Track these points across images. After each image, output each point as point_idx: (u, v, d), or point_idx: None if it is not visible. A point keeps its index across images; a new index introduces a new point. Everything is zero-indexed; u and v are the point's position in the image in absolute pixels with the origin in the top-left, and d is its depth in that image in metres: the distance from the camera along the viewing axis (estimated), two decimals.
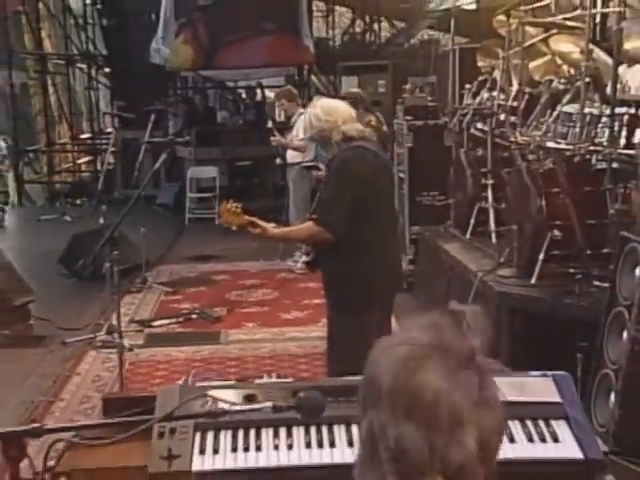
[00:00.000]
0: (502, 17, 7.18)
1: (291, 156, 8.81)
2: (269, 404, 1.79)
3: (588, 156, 5.33)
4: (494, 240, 6.74)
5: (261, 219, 4.03)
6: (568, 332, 4.92)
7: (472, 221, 7.04)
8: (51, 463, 2.04)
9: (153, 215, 12.03)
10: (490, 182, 6.93)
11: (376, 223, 4.00)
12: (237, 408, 1.87)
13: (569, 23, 6.08)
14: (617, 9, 5.18)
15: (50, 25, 15.43)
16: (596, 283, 5.27)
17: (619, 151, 5.09)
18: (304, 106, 8.40)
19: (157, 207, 12.87)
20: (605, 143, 5.19)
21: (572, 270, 5.32)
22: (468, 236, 7.01)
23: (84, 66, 15.65)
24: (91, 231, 8.99)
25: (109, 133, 15.78)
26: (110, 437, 2.06)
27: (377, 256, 4.00)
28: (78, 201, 13.92)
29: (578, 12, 5.64)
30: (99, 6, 15.23)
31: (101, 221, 7.55)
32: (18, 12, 14.08)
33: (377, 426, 1.44)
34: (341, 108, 4.17)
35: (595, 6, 5.60)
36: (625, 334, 4.44)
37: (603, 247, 5.39)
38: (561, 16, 6.15)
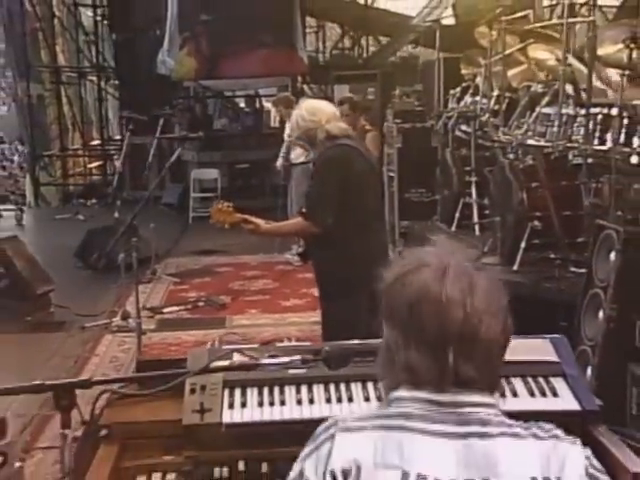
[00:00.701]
0: (483, 29, 7.24)
1: (296, 155, 8.79)
2: (298, 357, 1.80)
3: (565, 153, 5.35)
4: (477, 232, 6.79)
5: (259, 217, 3.99)
6: (549, 313, 4.95)
7: (457, 215, 7.09)
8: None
9: (159, 214, 11.98)
10: (474, 179, 6.98)
11: (360, 215, 3.96)
12: (267, 361, 1.88)
13: (546, 32, 6.12)
14: (590, 18, 5.21)
15: (64, 40, 15.41)
16: (573, 269, 5.32)
17: (594, 148, 5.11)
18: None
19: (163, 206, 12.85)
20: (581, 141, 5.22)
21: (551, 257, 5.36)
22: (454, 229, 7.05)
23: (94, 78, 15.65)
24: (104, 227, 9.00)
25: (117, 140, 15.88)
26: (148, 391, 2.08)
27: (362, 245, 3.94)
28: (89, 202, 13.87)
29: (554, 21, 5.66)
30: (108, 22, 15.21)
31: (116, 215, 7.54)
32: (35, 29, 14.08)
33: (391, 341, 1.47)
34: (325, 108, 4.11)
35: (570, 16, 5.63)
36: (601, 313, 4.48)
37: (579, 236, 5.44)
38: (538, 24, 6.18)
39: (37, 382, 1.76)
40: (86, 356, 6.03)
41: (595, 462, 1.42)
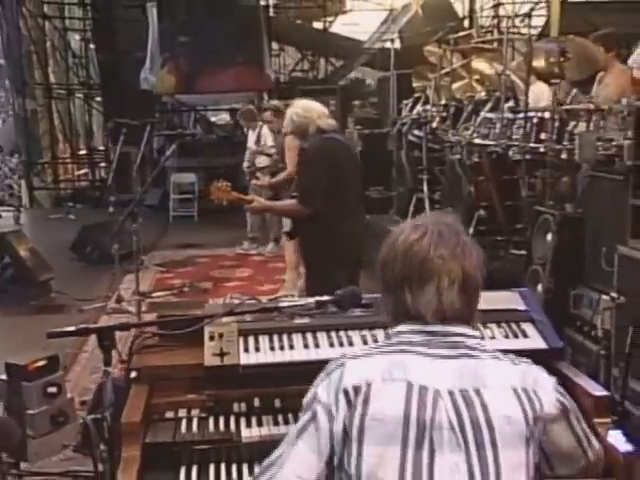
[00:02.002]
0: (432, 47, 7.35)
1: (264, 160, 8.76)
2: (312, 300, 1.81)
3: (506, 151, 5.45)
4: None
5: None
6: (496, 290, 5.03)
7: (411, 209, 7.16)
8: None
9: (142, 214, 11.80)
10: (425, 177, 7.06)
11: (344, 200, 3.98)
12: (285, 304, 1.89)
13: (486, 47, 6.23)
14: (530, 33, 5.31)
15: (55, 61, 15.30)
16: (514, 250, 5.42)
17: (530, 145, 5.22)
18: (262, 120, 8.54)
19: (145, 207, 12.71)
20: (519, 140, 5.32)
21: (496, 240, 5.46)
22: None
23: (82, 95, 15.53)
24: (97, 224, 8.95)
25: (101, 150, 15.74)
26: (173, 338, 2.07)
27: (345, 227, 3.97)
28: (78, 205, 13.69)
29: (495, 37, 5.77)
30: (94, 45, 15.13)
31: (110, 210, 7.47)
32: (30, 52, 14.09)
33: (390, 287, 1.54)
34: (316, 106, 4.14)
35: (508, 32, 5.74)
36: (540, 286, 4.59)
37: (518, 222, 5.55)
38: (480, 39, 6.29)
39: (84, 326, 1.75)
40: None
41: (559, 387, 1.51)
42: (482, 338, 1.56)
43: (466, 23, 13.30)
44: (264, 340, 2.19)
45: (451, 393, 1.39)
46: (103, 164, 14.98)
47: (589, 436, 1.57)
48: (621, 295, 3.76)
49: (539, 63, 5.58)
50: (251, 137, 8.95)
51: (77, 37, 15.49)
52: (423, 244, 1.46)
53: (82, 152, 16.08)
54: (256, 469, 1.93)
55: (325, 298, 1.81)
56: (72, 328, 1.75)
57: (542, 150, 5.06)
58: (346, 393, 1.41)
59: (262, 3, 13.60)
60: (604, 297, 3.77)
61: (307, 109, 4.08)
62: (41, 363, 1.77)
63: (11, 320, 6.14)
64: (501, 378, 1.43)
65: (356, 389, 1.40)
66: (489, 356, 1.47)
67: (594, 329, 4.18)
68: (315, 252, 4.05)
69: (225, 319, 2.15)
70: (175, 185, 12.24)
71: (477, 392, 1.40)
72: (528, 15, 9.14)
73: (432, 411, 1.37)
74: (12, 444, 1.51)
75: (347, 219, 3.94)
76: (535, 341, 2.18)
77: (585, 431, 1.55)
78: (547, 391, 1.45)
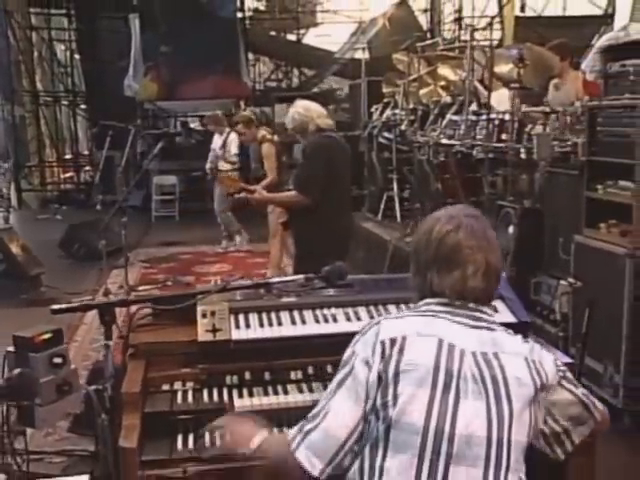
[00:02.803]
0: (400, 55, 7.40)
1: (224, 165, 8.70)
2: (301, 276, 1.82)
3: (470, 150, 5.51)
4: (399, 219, 6.91)
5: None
6: None
7: (382, 206, 7.21)
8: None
9: (126, 214, 11.77)
10: (395, 176, 7.11)
11: (337, 195, 4.01)
12: (275, 280, 1.89)
13: (451, 54, 6.30)
14: (493, 39, 5.37)
15: (42, 70, 15.13)
16: None
17: (493, 145, 5.29)
18: (230, 126, 8.50)
19: (128, 208, 12.59)
20: (482, 140, 5.39)
21: None
22: (379, 217, 7.16)
23: (67, 102, 15.37)
24: (83, 222, 8.89)
25: (86, 154, 15.59)
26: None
27: (336, 220, 4.01)
28: (64, 207, 13.53)
29: (459, 44, 5.83)
30: (79, 55, 15.00)
31: (98, 207, 7.40)
32: (19, 61, 13.96)
33: (420, 268, 1.61)
34: (315, 107, 4.19)
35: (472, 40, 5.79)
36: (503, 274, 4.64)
37: None
38: (445, 47, 6.35)
39: (85, 302, 1.74)
40: (76, 324, 5.87)
41: (557, 361, 1.62)
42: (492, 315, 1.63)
43: (430, 36, 13.42)
44: (254, 318, 2.19)
45: (474, 354, 1.49)
46: (88, 168, 14.86)
47: (591, 398, 1.66)
48: (577, 280, 3.83)
49: (501, 69, 5.67)
50: (217, 140, 8.92)
51: (62, 47, 15.33)
52: (456, 236, 1.55)
53: (68, 156, 15.92)
54: None
55: (311, 275, 1.81)
56: (75, 304, 1.74)
57: (503, 149, 5.14)
58: (383, 344, 1.49)
59: (239, 15, 13.61)
60: (562, 282, 3.84)
61: (307, 108, 4.13)
62: (47, 336, 1.76)
63: (3, 312, 6.05)
64: (515, 347, 1.54)
65: (392, 341, 1.49)
66: (503, 331, 1.59)
67: (553, 313, 4.26)
68: (307, 241, 4.07)
69: (216, 298, 2.16)
70: (157, 187, 12.16)
71: (495, 355, 1.50)
72: (487, 27, 9.26)
73: (459, 364, 1.47)
74: (29, 395, 1.51)
75: (339, 213, 3.99)
76: (505, 316, 2.22)
77: (586, 394, 1.65)
78: (549, 364, 1.56)
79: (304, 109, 4.11)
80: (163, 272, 8.08)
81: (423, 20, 14.67)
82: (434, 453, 1.40)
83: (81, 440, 3.57)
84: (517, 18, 11.11)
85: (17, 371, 1.56)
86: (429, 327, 1.51)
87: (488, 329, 1.55)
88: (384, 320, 1.56)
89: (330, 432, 1.49)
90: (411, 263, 1.63)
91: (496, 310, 2.26)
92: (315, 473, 1.49)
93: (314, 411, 1.55)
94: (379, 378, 1.46)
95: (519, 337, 1.60)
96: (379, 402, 1.45)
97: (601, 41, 5.76)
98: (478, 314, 1.57)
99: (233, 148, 8.52)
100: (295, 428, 1.57)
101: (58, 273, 7.71)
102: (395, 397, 1.43)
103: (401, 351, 1.46)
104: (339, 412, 1.49)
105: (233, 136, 8.45)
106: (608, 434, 1.80)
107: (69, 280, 7.45)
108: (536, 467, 1.58)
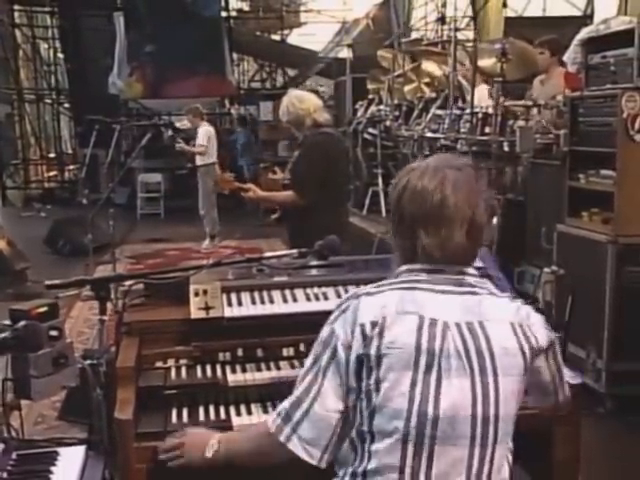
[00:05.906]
0: (384, 52, 7.44)
1: (198, 159, 8.82)
2: (295, 251, 1.83)
3: (455, 143, 5.56)
4: (384, 213, 6.94)
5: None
6: None
7: (367, 201, 7.24)
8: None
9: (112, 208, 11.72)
10: (380, 172, 7.14)
11: (334, 190, 3.89)
12: (269, 254, 1.90)
13: (435, 50, 6.34)
14: (474, 36, 5.43)
15: (27, 69, 15.02)
16: None
17: (477, 138, 5.34)
18: (204, 119, 8.88)
19: (114, 206, 12.54)
20: (466, 133, 5.44)
21: None
22: (365, 212, 7.19)
23: (50, 100, 15.26)
24: (68, 218, 8.86)
25: (70, 153, 15.49)
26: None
27: (332, 218, 3.83)
28: (48, 205, 13.44)
29: (443, 39, 5.87)
30: (62, 54, 14.90)
31: (84, 201, 7.37)
32: (6, 59, 13.78)
33: (400, 231, 1.52)
34: (312, 98, 3.95)
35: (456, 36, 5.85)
36: None
37: None
38: (429, 42, 6.40)
39: (80, 278, 1.74)
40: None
41: (545, 323, 1.53)
42: (481, 276, 1.56)
43: (413, 35, 13.50)
44: (246, 296, 2.20)
45: (458, 325, 1.44)
46: (71, 166, 14.75)
47: (563, 376, 1.61)
48: (560, 269, 3.88)
49: (485, 63, 5.72)
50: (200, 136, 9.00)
51: (46, 46, 15.23)
52: (440, 191, 1.44)
53: (51, 155, 15.80)
54: (243, 410, 1.95)
55: (305, 250, 1.83)
56: (70, 280, 1.74)
57: (487, 142, 5.19)
58: (362, 327, 1.43)
59: (224, 15, 13.59)
60: (546, 270, 3.88)
61: (302, 100, 3.88)
62: (42, 309, 1.76)
63: None
64: (500, 313, 1.47)
65: (373, 324, 1.43)
66: (487, 292, 1.50)
67: (536, 302, 4.29)
68: (300, 238, 4.00)
69: (208, 278, 2.16)
70: (142, 184, 12.14)
71: (481, 325, 1.44)
72: (471, 20, 9.35)
73: (441, 341, 1.41)
74: (34, 347, 1.52)
75: (335, 210, 3.88)
76: None
77: (560, 370, 1.58)
78: (538, 326, 1.49)
79: (298, 100, 3.87)
80: (149, 268, 8.03)
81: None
82: (418, 436, 1.39)
83: (71, 428, 3.56)
84: (505, 19, 11.24)
85: (22, 323, 1.56)
86: (409, 302, 1.45)
87: (473, 293, 1.48)
88: (363, 297, 1.48)
89: (321, 419, 1.46)
90: (391, 221, 1.53)
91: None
92: (314, 462, 1.48)
93: (296, 395, 1.50)
94: (360, 361, 1.43)
95: (505, 298, 1.52)
96: (363, 387, 1.43)
97: (582, 33, 5.83)
98: (462, 277, 1.49)
99: (200, 139, 8.74)
100: (275, 416, 1.52)
101: (44, 269, 7.64)
102: (377, 382, 1.41)
103: (381, 333, 1.42)
104: (327, 397, 1.46)
105: (202, 128, 8.80)
106: (591, 418, 1.79)
107: (55, 275, 7.19)
108: (523, 435, 1.58)
